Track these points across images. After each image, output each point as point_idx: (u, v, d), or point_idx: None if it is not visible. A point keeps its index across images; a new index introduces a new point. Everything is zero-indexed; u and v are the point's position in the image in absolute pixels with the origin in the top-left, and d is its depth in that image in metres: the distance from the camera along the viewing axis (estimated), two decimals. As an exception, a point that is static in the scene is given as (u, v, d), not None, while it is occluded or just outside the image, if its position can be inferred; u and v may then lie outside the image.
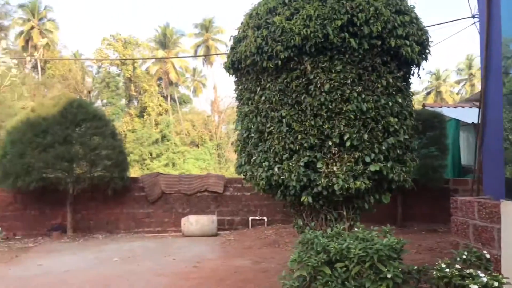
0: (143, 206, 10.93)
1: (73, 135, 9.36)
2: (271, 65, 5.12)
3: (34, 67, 37.19)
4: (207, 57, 43.96)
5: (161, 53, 42.51)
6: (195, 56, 46.72)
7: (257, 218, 11.10)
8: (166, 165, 33.34)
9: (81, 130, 9.48)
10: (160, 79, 43.61)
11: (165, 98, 42.61)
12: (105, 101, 41.22)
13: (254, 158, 5.38)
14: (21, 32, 38.83)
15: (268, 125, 5.21)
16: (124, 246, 9.17)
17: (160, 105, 40.21)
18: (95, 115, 9.90)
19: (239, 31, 5.62)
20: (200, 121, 40.65)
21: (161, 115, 39.53)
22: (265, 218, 11.08)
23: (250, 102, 5.49)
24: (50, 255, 8.42)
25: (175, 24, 79.18)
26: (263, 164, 5.21)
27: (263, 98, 5.26)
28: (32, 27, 38.55)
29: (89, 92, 17.75)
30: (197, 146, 37.76)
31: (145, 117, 38.51)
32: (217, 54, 41.98)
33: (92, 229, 10.58)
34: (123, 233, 10.71)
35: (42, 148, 9.05)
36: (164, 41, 44.06)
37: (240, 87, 5.82)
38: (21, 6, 38.73)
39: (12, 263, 7.70)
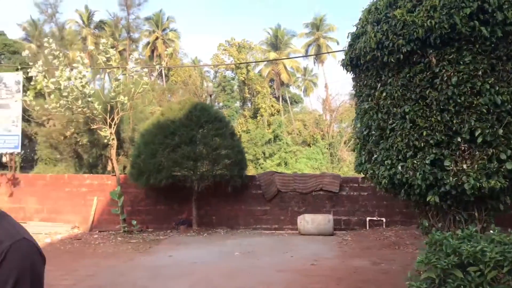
0: (260, 204, 11.31)
1: (197, 136, 10.06)
2: (392, 60, 4.96)
3: (159, 74, 40.59)
4: (318, 56, 43.84)
5: (272, 55, 43.46)
6: (306, 56, 46.90)
7: (375, 219, 10.79)
8: (278, 165, 33.98)
9: (204, 131, 10.15)
10: (272, 80, 44.63)
11: (277, 98, 43.46)
12: (221, 104, 43.42)
13: (375, 156, 5.26)
14: (147, 43, 42.71)
15: (390, 121, 5.06)
16: (244, 241, 9.58)
17: (272, 106, 41.10)
18: (216, 117, 10.52)
19: (357, 27, 5.55)
20: (311, 120, 40.64)
21: (273, 116, 40.39)
22: (384, 219, 10.72)
23: (370, 99, 5.38)
24: (178, 247, 9.15)
25: (286, 25, 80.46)
26: (385, 162, 5.08)
27: (384, 94, 5.13)
28: (157, 38, 42.17)
29: (210, 95, 18.84)
30: (309, 145, 37.82)
31: (258, 118, 39.70)
32: (328, 53, 41.62)
33: (214, 224, 11.25)
34: (242, 228, 11.20)
35: (170, 149, 9.89)
36: (276, 42, 44.96)
37: (359, 84, 5.74)
38: (147, 19, 42.60)
39: (147, 253, 8.53)
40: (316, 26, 45.72)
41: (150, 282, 6.28)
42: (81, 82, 9.81)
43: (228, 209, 11.30)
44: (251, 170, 31.61)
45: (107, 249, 8.99)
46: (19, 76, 13.35)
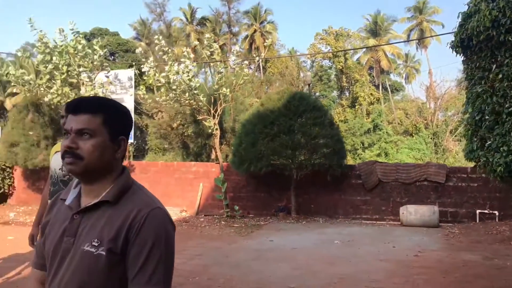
0: (360, 194, 11.13)
1: (296, 125, 10.19)
2: (510, 39, 4.58)
3: (258, 67, 41.48)
4: (421, 40, 41.43)
5: (372, 42, 41.99)
6: (408, 40, 44.55)
7: (486, 211, 10.04)
8: (378, 155, 32.90)
9: (302, 120, 10.25)
10: (371, 68, 43.19)
11: (377, 87, 41.98)
12: (318, 93, 43.12)
13: (489, 142, 4.92)
14: (246, 36, 43.79)
15: (507, 105, 4.69)
16: (344, 230, 9.54)
17: (371, 94, 39.83)
18: (314, 106, 10.55)
19: (469, 6, 5.19)
20: (413, 109, 38.62)
21: (373, 105, 39.12)
22: (496, 213, 9.94)
23: (483, 82, 5.02)
24: (278, 233, 9.39)
25: (386, 11, 77.07)
26: (501, 148, 4.72)
27: (500, 76, 4.75)
28: (255, 31, 43.04)
29: (309, 85, 18.88)
30: (411, 135, 36.03)
31: (356, 107, 38.77)
32: (432, 36, 39.15)
33: (313, 212, 11.34)
34: (342, 218, 11.14)
35: (270, 138, 10.15)
36: (375, 29, 43.37)
37: (470, 66, 5.38)
38: (245, 12, 43.66)
39: (249, 237, 8.88)
40: (419, 9, 43.18)
41: (253, 263, 6.57)
42: (188, 75, 10.45)
43: (327, 198, 11.30)
44: (349, 161, 31.04)
45: (212, 232, 9.54)
46: (131, 72, 14.67)
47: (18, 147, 11.36)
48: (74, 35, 10.77)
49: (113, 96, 11.87)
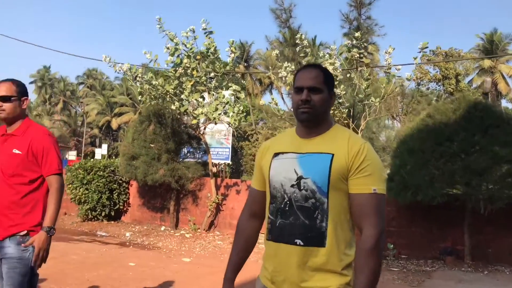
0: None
1: (481, 142, 7.85)
2: None
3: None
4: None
5: (487, 63, 37.95)
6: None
7: None
8: None
9: (488, 137, 7.90)
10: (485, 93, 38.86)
11: (494, 112, 37.52)
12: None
13: None
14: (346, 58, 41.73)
15: None
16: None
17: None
18: (504, 119, 8.16)
19: None
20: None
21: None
22: None
23: None
24: (458, 285, 7.09)
25: (504, 29, 71.04)
26: None
27: None
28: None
29: (486, 93, 16.27)
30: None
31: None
32: None
33: (491, 258, 8.75)
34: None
35: (446, 158, 7.91)
36: (491, 48, 39.23)
37: None
38: (345, 34, 41.72)
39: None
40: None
41: None
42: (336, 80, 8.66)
43: (510, 241, 8.68)
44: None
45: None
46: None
47: (138, 161, 10.23)
48: (206, 35, 9.53)
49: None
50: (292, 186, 1.84)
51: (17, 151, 2.82)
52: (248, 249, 2.13)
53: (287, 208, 1.85)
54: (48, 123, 52.52)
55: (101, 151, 32.24)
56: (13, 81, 2.92)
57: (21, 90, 2.92)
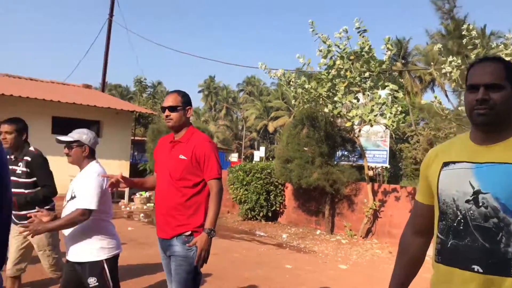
0: None
1: None
2: None
3: None
4: None
5: None
6: None
7: None
8: None
9: None
10: None
11: None
12: None
13: None
14: None
15: None
16: None
17: None
18: None
19: None
20: None
21: None
22: None
23: None
24: None
25: None
26: None
27: None
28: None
29: None
30: None
31: None
32: None
33: None
34: None
35: None
36: None
37: None
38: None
39: None
40: None
41: None
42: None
43: None
44: None
45: None
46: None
47: (292, 164, 10.41)
48: (360, 34, 9.22)
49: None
50: (467, 201, 1.58)
51: (183, 157, 3.05)
52: (415, 266, 1.90)
53: (461, 227, 1.58)
54: (214, 128, 57.66)
55: (259, 154, 34.03)
56: (178, 92, 3.17)
57: (186, 100, 3.15)
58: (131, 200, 14.41)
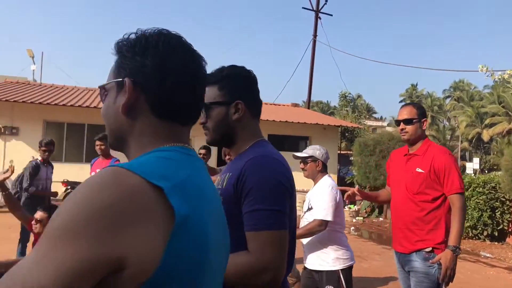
0: None
1: None
2: None
3: None
4: None
5: None
6: None
7: None
8: None
9: None
10: None
11: None
12: None
13: None
14: None
15: None
16: None
17: None
18: None
19: None
20: None
21: None
22: None
23: None
24: None
25: None
26: None
27: None
28: None
29: None
30: None
31: None
32: None
33: None
34: None
35: None
36: None
37: None
38: None
39: None
40: None
41: None
42: None
43: None
44: None
45: None
46: None
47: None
48: None
49: None
50: None
51: (420, 170, 2.99)
52: None
53: None
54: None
55: (472, 165, 30.58)
56: (413, 104, 3.13)
57: (421, 112, 3.10)
58: (339, 213, 14.66)
